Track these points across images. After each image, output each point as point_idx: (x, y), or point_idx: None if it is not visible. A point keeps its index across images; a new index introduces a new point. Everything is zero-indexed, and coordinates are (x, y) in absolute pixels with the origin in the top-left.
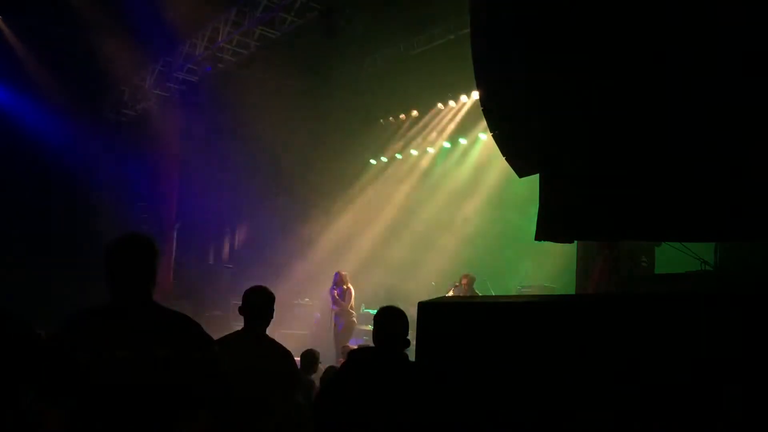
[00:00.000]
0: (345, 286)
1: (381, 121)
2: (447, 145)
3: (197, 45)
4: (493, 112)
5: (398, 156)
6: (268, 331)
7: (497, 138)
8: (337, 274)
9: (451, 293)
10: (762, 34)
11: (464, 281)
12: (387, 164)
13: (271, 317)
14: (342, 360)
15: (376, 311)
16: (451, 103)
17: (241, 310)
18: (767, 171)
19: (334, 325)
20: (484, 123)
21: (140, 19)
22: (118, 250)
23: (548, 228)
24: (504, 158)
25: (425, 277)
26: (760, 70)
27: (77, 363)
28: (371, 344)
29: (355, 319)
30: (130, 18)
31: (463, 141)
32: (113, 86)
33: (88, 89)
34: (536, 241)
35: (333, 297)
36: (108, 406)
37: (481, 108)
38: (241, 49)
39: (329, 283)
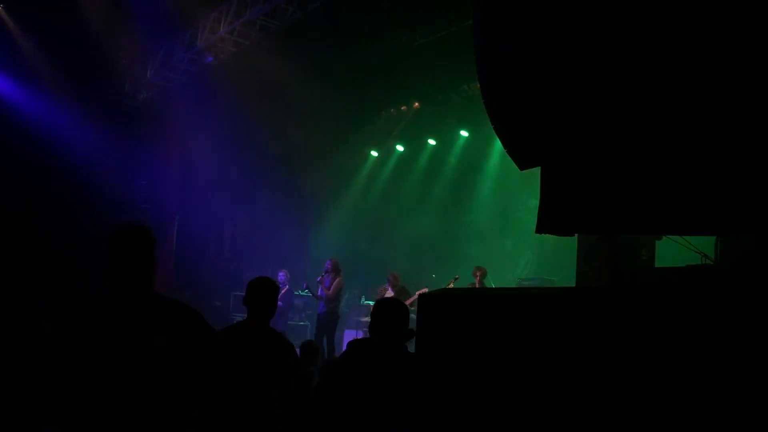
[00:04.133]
0: (333, 275)
1: (383, 112)
2: (449, 136)
3: (198, 35)
4: (495, 105)
5: (399, 147)
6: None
7: (499, 131)
8: (329, 261)
9: (451, 285)
10: (763, 31)
11: (478, 273)
12: (388, 156)
13: (275, 309)
14: None
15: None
16: (453, 94)
17: (245, 301)
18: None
19: (318, 314)
20: (485, 114)
21: (141, 8)
22: (116, 240)
23: (549, 220)
24: (505, 151)
25: (425, 269)
26: (761, 62)
27: (77, 350)
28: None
29: (338, 310)
30: (131, 7)
31: (464, 133)
32: (114, 76)
33: (89, 79)
34: (536, 234)
35: (320, 286)
36: (107, 394)
37: (482, 100)
38: (243, 40)
39: None
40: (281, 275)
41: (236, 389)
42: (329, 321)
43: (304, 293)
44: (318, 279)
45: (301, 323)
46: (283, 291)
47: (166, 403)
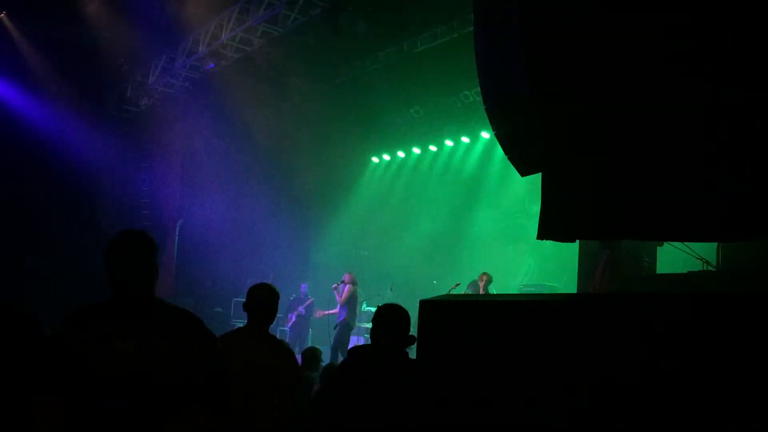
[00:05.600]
0: (346, 285)
1: (384, 119)
2: (450, 143)
3: (200, 42)
4: (496, 111)
5: (400, 154)
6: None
7: (500, 137)
8: (347, 275)
9: (452, 292)
10: (762, 35)
11: (485, 278)
12: (389, 162)
13: (275, 315)
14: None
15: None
16: (454, 101)
17: (246, 307)
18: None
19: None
20: (486, 121)
21: (143, 15)
22: (117, 246)
23: (550, 227)
24: (507, 157)
25: (427, 276)
26: (761, 69)
27: (77, 355)
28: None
29: (349, 319)
30: (133, 14)
31: (465, 139)
32: (116, 82)
33: (91, 85)
34: (538, 240)
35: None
36: (108, 399)
37: (483, 107)
38: (244, 46)
39: (330, 282)
40: (303, 287)
41: (236, 395)
42: (340, 330)
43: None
44: (333, 287)
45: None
46: (308, 302)
47: (166, 409)
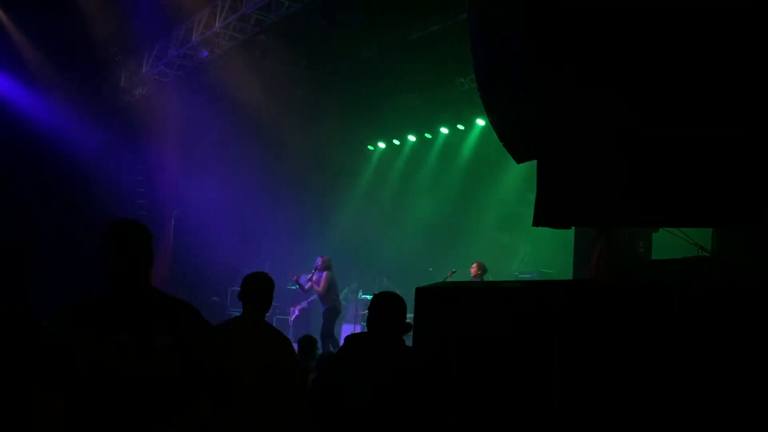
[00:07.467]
0: (323, 272)
1: (379, 107)
2: (445, 130)
3: (193, 30)
4: (491, 98)
5: (395, 142)
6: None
7: (495, 124)
8: (319, 259)
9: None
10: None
11: (475, 267)
12: (385, 150)
13: (271, 304)
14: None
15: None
16: (449, 88)
17: (241, 296)
18: (765, 156)
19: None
20: (481, 108)
21: (136, 3)
22: (111, 236)
23: (546, 214)
24: (502, 144)
25: (423, 263)
26: (757, 59)
27: (76, 348)
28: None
29: (337, 305)
30: (126, 3)
31: (460, 127)
32: (110, 71)
33: (84, 74)
34: (534, 227)
35: (309, 282)
36: (107, 392)
37: (478, 94)
38: (238, 34)
39: None
40: (303, 279)
41: (234, 384)
42: (327, 317)
43: (293, 287)
44: (308, 277)
45: (286, 317)
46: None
47: (165, 401)
